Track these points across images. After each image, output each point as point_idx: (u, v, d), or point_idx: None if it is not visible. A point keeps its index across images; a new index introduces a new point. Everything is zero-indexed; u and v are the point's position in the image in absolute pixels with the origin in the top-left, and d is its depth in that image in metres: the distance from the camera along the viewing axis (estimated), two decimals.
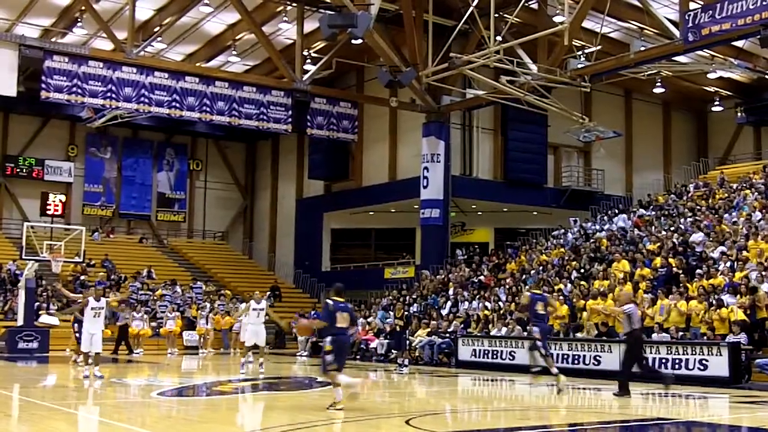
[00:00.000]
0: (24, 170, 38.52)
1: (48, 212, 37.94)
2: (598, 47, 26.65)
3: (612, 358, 18.61)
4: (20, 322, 26.55)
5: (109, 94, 28.34)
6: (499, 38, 26.49)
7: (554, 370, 15.62)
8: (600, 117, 32.95)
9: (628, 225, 27.66)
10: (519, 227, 35.37)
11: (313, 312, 31.83)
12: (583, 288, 22.51)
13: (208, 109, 29.73)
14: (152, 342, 28.99)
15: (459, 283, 28.21)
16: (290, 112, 31.26)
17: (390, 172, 36.02)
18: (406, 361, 22.11)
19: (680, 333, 18.69)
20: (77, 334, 21.26)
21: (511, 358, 21.19)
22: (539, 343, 15.98)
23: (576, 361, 19.62)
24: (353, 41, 29.68)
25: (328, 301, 12.41)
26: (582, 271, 24.44)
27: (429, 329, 24.74)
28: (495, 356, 21.63)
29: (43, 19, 32.74)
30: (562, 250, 27.57)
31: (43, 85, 27.26)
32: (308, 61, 32.87)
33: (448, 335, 24.08)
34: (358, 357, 26.28)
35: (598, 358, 19.17)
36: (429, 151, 31.56)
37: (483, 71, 27.98)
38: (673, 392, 15.27)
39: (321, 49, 33.23)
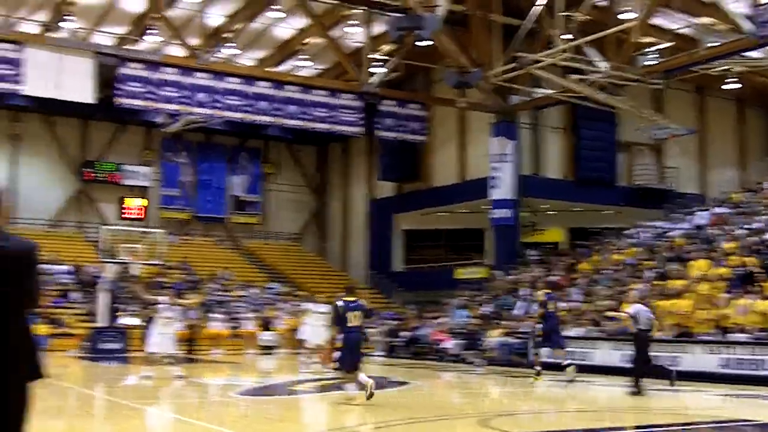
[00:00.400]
0: (102, 175, 39.52)
1: (126, 216, 38.87)
2: (670, 44, 26.37)
3: (690, 359, 18.42)
4: (101, 323, 27.32)
5: (183, 100, 28.82)
6: (567, 36, 26.37)
7: (537, 368, 17.73)
8: (672, 114, 32.54)
9: (707, 222, 27.22)
10: (591, 226, 35.08)
11: (387, 312, 32.18)
12: (660, 288, 22.27)
13: (279, 113, 30.11)
14: (230, 342, 29.56)
15: (532, 283, 28.12)
16: (360, 115, 31.52)
17: (460, 172, 36.12)
18: (482, 362, 22.20)
19: (760, 333, 18.39)
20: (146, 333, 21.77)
21: (586, 358, 21.09)
22: (537, 340, 18.20)
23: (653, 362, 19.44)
24: (420, 43, 29.86)
25: (338, 303, 13.01)
26: (657, 270, 24.16)
27: (502, 329, 24.74)
28: (569, 357, 21.51)
29: (117, 27, 33.56)
30: (636, 249, 27.26)
31: (118, 92, 27.80)
32: (376, 63, 33.14)
33: (521, 336, 24.04)
34: (433, 357, 26.43)
35: (675, 359, 18.97)
36: (498, 151, 31.52)
37: (551, 70, 27.87)
38: (730, 392, 15.12)
39: (389, 52, 33.45)
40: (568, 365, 17.52)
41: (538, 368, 17.96)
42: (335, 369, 13.09)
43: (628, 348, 19.89)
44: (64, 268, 33.12)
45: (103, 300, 27.31)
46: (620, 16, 27.28)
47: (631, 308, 15.04)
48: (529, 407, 14.56)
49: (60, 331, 28.61)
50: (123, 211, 39.29)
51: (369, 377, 12.69)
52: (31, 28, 31.18)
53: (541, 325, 18.14)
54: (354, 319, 12.77)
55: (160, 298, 18.21)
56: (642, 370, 15.16)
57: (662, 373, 15.44)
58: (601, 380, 18.28)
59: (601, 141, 34.17)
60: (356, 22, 32.05)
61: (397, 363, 25.15)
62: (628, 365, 16.32)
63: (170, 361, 17.80)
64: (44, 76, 26.31)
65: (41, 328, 27.19)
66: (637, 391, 14.61)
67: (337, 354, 12.84)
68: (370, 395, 12.28)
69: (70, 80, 26.79)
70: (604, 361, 20.48)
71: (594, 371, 19.75)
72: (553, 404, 15.19)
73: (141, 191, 40.20)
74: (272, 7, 31.03)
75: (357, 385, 12.76)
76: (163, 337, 17.53)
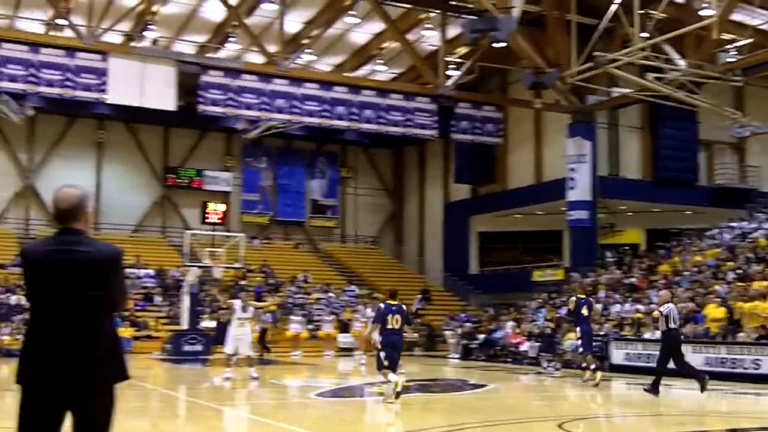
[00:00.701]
0: (184, 181, 40.38)
1: (208, 221, 39.55)
2: (750, 40, 25.82)
3: None
4: (184, 326, 27.91)
5: (262, 106, 29.24)
6: (644, 35, 26.05)
7: (592, 366, 17.77)
8: (754, 111, 31.75)
9: None
10: (671, 227, 34.48)
11: (463, 315, 32.21)
12: (741, 289, 21.85)
13: (356, 118, 30.37)
14: (309, 344, 29.96)
15: (610, 285, 27.86)
16: (435, 118, 31.59)
17: (535, 174, 35.88)
18: (558, 365, 22.08)
19: None
20: (221, 336, 22.31)
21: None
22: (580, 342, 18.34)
23: (734, 365, 19.12)
24: (496, 45, 29.81)
25: (381, 304, 13.57)
26: (739, 272, 23.71)
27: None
28: (649, 360, 21.26)
29: (198, 35, 34.33)
30: (718, 250, 26.77)
31: (200, 99, 28.26)
32: (451, 66, 33.17)
33: (599, 338, 23.85)
34: (509, 360, 26.38)
35: (757, 362, 18.61)
36: (575, 151, 31.23)
37: (629, 69, 27.53)
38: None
39: (464, 54, 33.47)
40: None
41: (593, 366, 17.95)
42: (378, 370, 13.41)
43: (710, 351, 19.67)
44: (148, 272, 33.99)
45: (185, 303, 27.93)
46: (699, 13, 26.84)
47: (663, 307, 15.15)
48: (608, 411, 14.47)
49: (143, 333, 29.40)
50: (205, 215, 39.97)
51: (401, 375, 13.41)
52: (114, 38, 32.11)
53: (578, 329, 18.40)
54: (394, 323, 13.14)
55: (234, 301, 18.65)
56: (666, 368, 15.37)
57: (657, 380, 15.35)
58: (681, 384, 18.01)
59: (681, 140, 33.51)
60: (431, 25, 32.16)
61: (473, 365, 25.20)
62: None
63: (247, 362, 18.19)
64: (127, 84, 27.02)
65: (126, 331, 28.01)
66: (654, 391, 14.73)
67: (381, 354, 13.20)
68: (398, 394, 12.74)
69: (153, 88, 27.42)
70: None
71: (674, 375, 19.48)
72: (632, 408, 15.07)
73: (222, 196, 40.83)
74: (349, 12, 31.38)
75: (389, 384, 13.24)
76: (237, 338, 17.93)
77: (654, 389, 14.85)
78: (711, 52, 26.56)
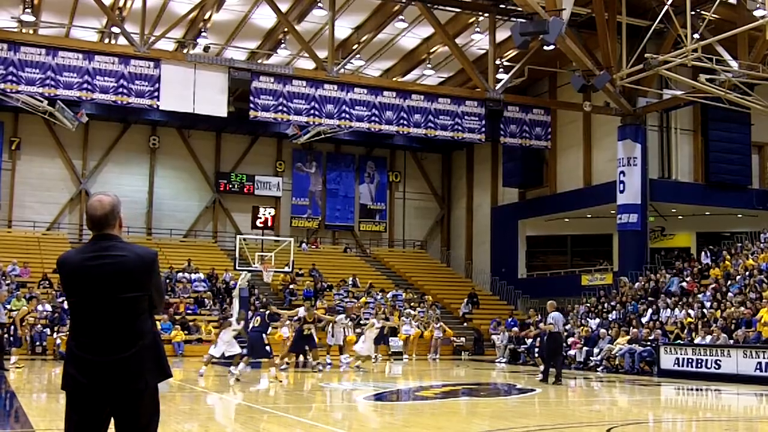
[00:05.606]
0: (236, 186, 40.81)
1: (258, 225, 39.99)
2: None
3: None
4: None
5: (312, 112, 29.44)
6: (696, 36, 25.79)
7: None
8: None
9: None
10: (722, 231, 34.04)
11: (510, 319, 32.09)
12: None
13: (405, 122, 30.46)
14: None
15: (660, 289, 27.61)
16: (484, 122, 31.53)
17: (585, 177, 35.65)
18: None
19: None
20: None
21: (716, 366, 20.60)
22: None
23: None
24: (545, 48, 29.70)
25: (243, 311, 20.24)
26: None
27: (629, 337, 24.40)
28: (699, 365, 21.09)
29: (249, 42, 34.71)
30: None
31: (252, 105, 28.57)
32: (501, 70, 33.08)
33: (649, 343, 23.68)
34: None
35: None
36: (625, 154, 31.02)
37: (680, 71, 27.29)
38: None
39: (513, 58, 33.41)
40: None
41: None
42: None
43: (762, 356, 19.43)
44: (199, 276, 34.39)
45: (236, 307, 28.18)
46: (753, 13, 26.50)
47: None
48: (657, 416, 14.38)
49: (194, 337, 29.75)
50: (256, 220, 40.39)
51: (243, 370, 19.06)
52: (167, 45, 32.62)
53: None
54: (255, 323, 19.57)
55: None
56: None
57: None
58: (732, 389, 17.84)
59: (734, 143, 33.07)
60: (480, 29, 32.10)
61: (521, 370, 25.13)
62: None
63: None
64: (180, 91, 27.42)
65: (177, 335, 28.39)
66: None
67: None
68: (236, 380, 18.22)
69: (205, 95, 27.80)
70: (736, 369, 19.96)
71: (725, 380, 19.32)
72: (683, 413, 14.95)
73: (273, 201, 41.27)
74: (398, 18, 31.48)
75: (238, 368, 18.58)
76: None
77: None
78: (764, 53, 26.20)
